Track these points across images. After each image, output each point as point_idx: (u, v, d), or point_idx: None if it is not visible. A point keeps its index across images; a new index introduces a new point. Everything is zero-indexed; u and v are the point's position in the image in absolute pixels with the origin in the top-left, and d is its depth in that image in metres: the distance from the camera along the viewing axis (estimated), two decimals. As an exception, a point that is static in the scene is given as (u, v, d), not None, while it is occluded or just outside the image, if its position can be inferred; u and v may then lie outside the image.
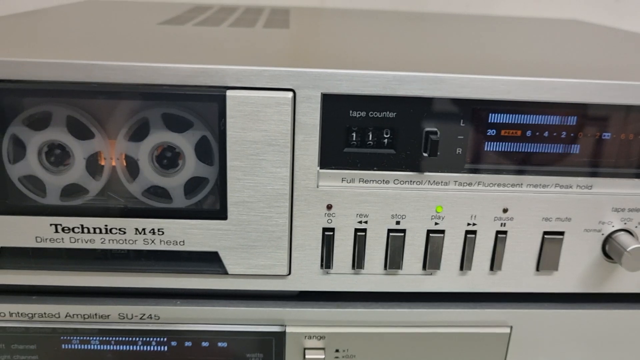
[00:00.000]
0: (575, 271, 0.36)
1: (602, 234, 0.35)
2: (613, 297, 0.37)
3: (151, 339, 0.37)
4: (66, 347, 0.37)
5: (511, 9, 0.81)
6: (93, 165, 0.33)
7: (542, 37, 0.53)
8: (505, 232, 0.35)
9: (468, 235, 0.34)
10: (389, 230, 0.34)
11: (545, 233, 0.35)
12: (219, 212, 0.33)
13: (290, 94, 0.31)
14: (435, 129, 0.32)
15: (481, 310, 0.37)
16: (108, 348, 0.37)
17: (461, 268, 0.35)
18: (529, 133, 0.33)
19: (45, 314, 0.35)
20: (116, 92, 0.31)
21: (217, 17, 0.54)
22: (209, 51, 0.36)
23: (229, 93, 0.31)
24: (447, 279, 0.35)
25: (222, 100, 0.31)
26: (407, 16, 0.67)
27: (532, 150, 0.34)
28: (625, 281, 0.36)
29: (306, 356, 0.36)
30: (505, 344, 0.37)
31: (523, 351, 0.37)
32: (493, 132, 0.33)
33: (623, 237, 0.34)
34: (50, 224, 0.33)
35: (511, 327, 0.37)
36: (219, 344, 0.37)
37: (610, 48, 0.47)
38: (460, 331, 0.37)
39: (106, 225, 0.33)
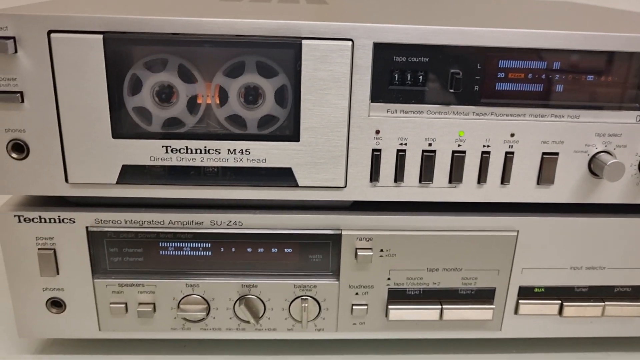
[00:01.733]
0: (567, 185, 0.46)
1: (588, 155, 0.45)
2: (598, 208, 0.47)
3: (234, 246, 0.46)
4: (163, 253, 0.46)
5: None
6: (192, 103, 0.43)
7: (539, 12, 0.63)
8: (512, 153, 0.44)
9: (484, 155, 0.44)
10: (423, 151, 0.44)
11: (544, 153, 0.45)
12: (293, 136, 0.43)
13: (350, 43, 0.41)
14: (458, 71, 0.42)
15: (494, 217, 0.46)
16: (195, 254, 0.47)
17: (478, 182, 0.45)
18: (530, 75, 0.43)
19: (152, 221, 0.45)
20: (219, 42, 0.41)
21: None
22: (284, 14, 0.46)
23: (304, 42, 0.41)
24: (467, 191, 0.45)
25: (298, 47, 0.41)
26: None
27: (532, 90, 0.44)
28: (607, 194, 0.46)
29: (358, 253, 0.46)
30: (512, 245, 0.47)
31: (527, 251, 0.47)
32: (502, 75, 0.43)
33: (604, 156, 0.44)
34: (162, 146, 0.43)
35: (517, 232, 0.47)
36: (286, 250, 0.47)
37: (599, 18, 0.58)
38: (478, 234, 0.46)
39: (205, 147, 0.43)
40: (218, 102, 0.43)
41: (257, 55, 0.42)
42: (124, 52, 0.41)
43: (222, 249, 0.46)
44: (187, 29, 0.40)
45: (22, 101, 0.41)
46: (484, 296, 0.48)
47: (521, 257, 0.48)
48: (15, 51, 0.40)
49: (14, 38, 0.39)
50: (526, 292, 0.48)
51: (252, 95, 0.43)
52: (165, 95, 0.42)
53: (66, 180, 0.43)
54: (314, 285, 0.47)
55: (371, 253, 0.46)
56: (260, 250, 0.47)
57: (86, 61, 0.40)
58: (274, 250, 0.47)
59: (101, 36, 0.40)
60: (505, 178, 0.45)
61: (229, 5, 0.53)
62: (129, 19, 0.40)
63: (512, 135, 0.44)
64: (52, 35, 0.40)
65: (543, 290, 0.49)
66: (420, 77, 0.43)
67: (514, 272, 0.48)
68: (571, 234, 0.47)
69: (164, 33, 0.40)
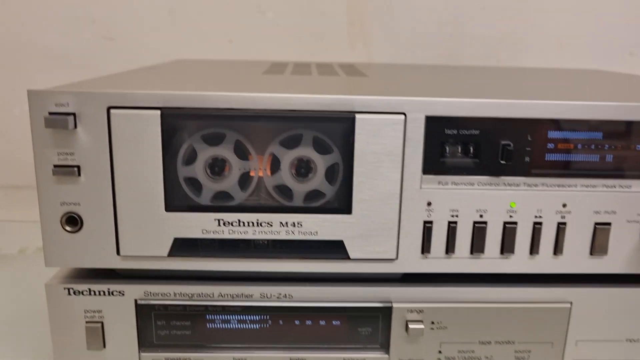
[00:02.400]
0: (621, 255, 0.45)
1: (641, 224, 0.45)
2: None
3: (281, 318, 0.46)
4: (211, 326, 0.46)
5: (536, 63, 0.92)
6: (244, 176, 0.43)
7: (575, 80, 0.64)
8: (564, 223, 0.44)
9: (535, 226, 0.44)
10: (474, 222, 0.44)
11: (596, 224, 0.44)
12: (346, 209, 0.43)
13: (402, 117, 0.41)
14: (509, 142, 0.43)
15: (546, 288, 0.46)
16: (244, 327, 0.46)
17: (530, 253, 0.45)
18: (579, 146, 0.44)
19: (201, 294, 0.45)
20: (272, 117, 0.41)
21: (301, 70, 0.64)
22: (332, 87, 0.47)
23: (357, 116, 0.41)
24: (519, 262, 0.45)
25: (352, 121, 0.41)
26: (455, 68, 0.79)
27: (582, 160, 0.44)
28: (661, 264, 0.46)
29: (409, 326, 0.45)
30: (566, 317, 0.46)
31: (581, 323, 0.46)
32: (552, 145, 0.43)
33: (657, 226, 0.44)
34: (214, 219, 0.43)
35: (571, 303, 0.46)
36: (334, 322, 0.46)
37: (634, 86, 0.58)
38: (531, 306, 0.46)
39: (257, 219, 0.43)
40: (269, 172, 0.43)
41: (311, 129, 0.42)
42: (180, 127, 0.41)
43: (271, 322, 0.46)
44: (242, 104, 0.41)
45: (79, 175, 0.41)
46: (538, 370, 0.47)
47: (575, 330, 0.46)
48: (75, 127, 0.40)
49: (74, 114, 0.40)
50: (581, 366, 0.47)
51: (303, 168, 0.43)
52: (218, 168, 0.43)
53: (117, 252, 0.43)
54: (363, 359, 0.46)
55: (422, 326, 0.45)
56: (309, 322, 0.46)
57: (143, 135, 0.41)
58: (323, 322, 0.46)
59: (159, 112, 0.41)
60: (557, 249, 0.45)
61: (274, 79, 0.54)
62: (185, 95, 0.41)
63: (564, 205, 0.44)
64: (112, 111, 0.40)
65: (598, 363, 0.47)
66: (471, 149, 0.43)
67: (568, 345, 0.47)
68: (626, 305, 0.46)
69: (219, 108, 0.41)
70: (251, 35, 0.90)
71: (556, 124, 0.43)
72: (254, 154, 0.43)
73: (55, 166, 0.41)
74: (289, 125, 0.42)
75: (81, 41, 0.87)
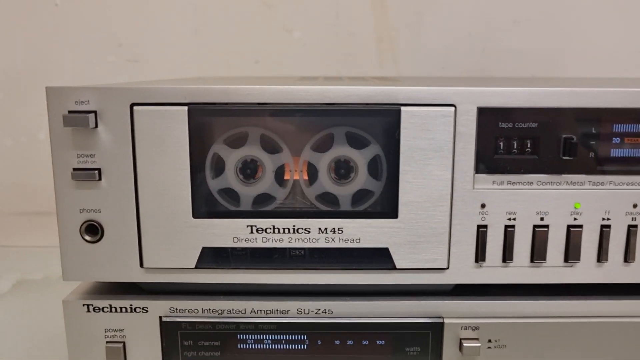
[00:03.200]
0: (701, 262, 0.40)
1: None
2: None
3: (320, 337, 0.41)
4: (243, 346, 0.42)
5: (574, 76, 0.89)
6: (279, 178, 0.39)
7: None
8: (636, 226, 0.39)
9: (603, 229, 0.39)
10: (534, 226, 0.39)
11: (672, 226, 0.40)
12: (391, 212, 0.39)
13: (452, 108, 0.38)
14: (572, 136, 0.38)
15: (618, 301, 0.41)
16: (278, 347, 0.42)
17: (598, 260, 0.40)
18: (648, 140, 0.39)
19: (232, 310, 0.40)
20: (310, 110, 0.38)
21: (332, 80, 0.62)
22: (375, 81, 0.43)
23: (403, 108, 0.37)
24: (586, 271, 0.40)
25: (397, 114, 0.37)
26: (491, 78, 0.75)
27: (654, 155, 0.39)
28: None
29: (463, 345, 0.40)
30: (642, 333, 0.41)
31: (659, 341, 0.41)
32: (618, 140, 0.39)
33: None
34: (247, 225, 0.39)
35: (646, 317, 0.41)
36: (377, 342, 0.41)
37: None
38: (603, 321, 0.40)
39: (294, 226, 0.39)
40: (307, 178, 0.39)
41: (347, 125, 0.39)
42: (208, 124, 0.38)
43: (309, 342, 0.41)
44: (277, 97, 0.38)
45: (100, 179, 0.38)
46: (612, 395, 0.41)
47: (652, 348, 0.41)
48: (96, 126, 0.37)
49: (95, 112, 0.37)
50: (661, 390, 0.42)
51: (343, 169, 0.39)
52: (250, 170, 0.39)
53: (141, 264, 0.39)
54: (413, 383, 0.41)
55: (479, 344, 0.40)
56: (350, 342, 0.41)
57: (169, 134, 0.38)
58: (366, 342, 0.41)
59: (186, 108, 0.37)
60: (629, 255, 0.40)
61: (306, 83, 0.51)
62: (214, 88, 0.38)
63: (635, 206, 0.39)
64: (135, 108, 0.37)
65: (679, 387, 0.42)
66: (529, 144, 0.39)
67: (645, 366, 0.41)
68: None
69: (251, 102, 0.38)
70: (278, 55, 0.88)
71: (625, 114, 0.38)
72: (289, 154, 0.39)
73: (74, 169, 0.38)
74: (324, 122, 0.38)
75: (106, 64, 0.86)
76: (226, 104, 0.38)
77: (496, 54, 0.89)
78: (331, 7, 0.87)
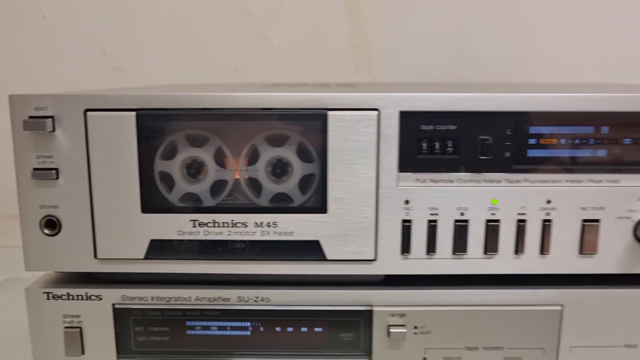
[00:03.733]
0: (613, 254, 0.43)
1: (632, 221, 0.43)
2: (646, 279, 0.44)
3: (261, 325, 0.45)
4: (191, 332, 0.45)
5: (544, 81, 0.91)
6: (220, 177, 0.43)
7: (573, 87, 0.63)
8: (550, 221, 0.42)
9: (519, 224, 0.42)
10: (455, 221, 0.42)
11: (584, 220, 0.42)
12: (321, 208, 0.42)
13: (376, 112, 0.41)
14: (488, 137, 0.42)
15: (535, 290, 0.44)
16: (223, 333, 0.45)
17: (516, 252, 0.43)
18: (562, 140, 0.42)
19: (179, 297, 0.44)
20: (246, 115, 0.41)
21: (297, 86, 0.65)
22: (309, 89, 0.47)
23: (330, 113, 0.41)
24: (504, 263, 0.43)
25: (324, 118, 0.41)
26: (458, 84, 0.78)
27: (566, 155, 0.42)
28: (657, 264, 0.43)
29: (390, 331, 0.43)
30: (557, 321, 0.44)
31: (575, 327, 0.44)
32: (534, 141, 0.42)
33: (649, 222, 0.42)
34: (190, 220, 0.43)
35: (562, 306, 0.44)
36: (315, 328, 0.45)
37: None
38: (519, 309, 0.44)
39: (232, 220, 0.42)
40: (247, 177, 0.43)
41: (282, 129, 0.42)
42: (155, 128, 0.42)
43: (250, 327, 0.45)
44: (218, 103, 0.41)
45: (57, 178, 0.42)
46: (531, 378, 0.45)
47: (568, 335, 0.44)
48: (53, 129, 0.41)
49: (52, 117, 0.41)
50: (578, 374, 0.45)
51: (279, 169, 0.43)
52: (194, 170, 0.43)
53: (95, 256, 0.43)
54: (346, 366, 0.44)
55: (405, 330, 0.43)
56: (289, 329, 0.45)
57: (119, 137, 0.41)
58: (303, 329, 0.45)
59: (134, 113, 0.41)
60: (544, 248, 0.43)
61: (262, 89, 0.55)
62: (160, 95, 0.41)
63: (549, 202, 0.42)
64: (88, 113, 0.41)
65: (597, 372, 0.45)
66: (449, 145, 0.42)
67: (562, 352, 0.44)
68: (622, 308, 0.44)
69: (194, 108, 0.42)
70: (257, 63, 0.92)
71: (537, 117, 0.42)
72: (230, 154, 0.43)
73: (34, 169, 0.42)
74: (263, 124, 0.42)
75: (91, 72, 0.90)
76: (171, 109, 0.42)
77: (469, 60, 0.92)
78: (307, 16, 0.90)
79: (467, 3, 0.90)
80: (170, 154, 0.43)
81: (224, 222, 0.42)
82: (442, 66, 0.92)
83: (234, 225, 0.43)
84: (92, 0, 0.88)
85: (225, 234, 0.43)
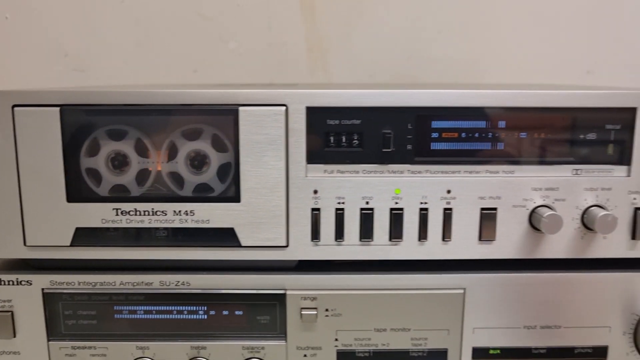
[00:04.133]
0: (510, 240, 0.46)
1: (527, 209, 0.46)
2: (551, 263, 0.47)
3: (183, 308, 0.47)
4: (118, 316, 0.48)
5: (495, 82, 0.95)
6: (143, 169, 0.46)
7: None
8: (450, 209, 0.45)
9: (422, 212, 0.45)
10: (361, 209, 0.45)
11: (482, 209, 0.45)
12: (235, 197, 0.45)
13: (284, 108, 0.44)
14: (390, 131, 0.45)
15: (439, 275, 0.47)
16: (149, 317, 0.48)
17: (419, 239, 0.46)
18: (463, 134, 0.45)
19: (104, 282, 0.47)
20: (165, 111, 0.44)
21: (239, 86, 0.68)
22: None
23: (241, 108, 0.44)
24: (409, 249, 0.46)
25: (236, 113, 0.44)
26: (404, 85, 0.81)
27: (465, 148, 0.45)
28: (552, 249, 0.46)
29: (302, 313, 0.46)
30: (460, 303, 0.47)
31: (477, 310, 0.47)
32: (436, 135, 0.45)
33: (542, 209, 0.45)
34: (112, 209, 0.45)
35: (465, 289, 0.47)
36: (234, 311, 0.48)
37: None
38: (423, 292, 0.46)
39: (152, 208, 0.45)
40: (167, 167, 0.45)
41: (200, 123, 0.45)
42: (78, 123, 0.45)
43: (172, 311, 0.47)
44: (136, 99, 0.44)
45: (-13, 170, 0.45)
46: (437, 358, 0.47)
47: (471, 317, 0.47)
48: (-18, 124, 0.44)
49: (-19, 113, 0.44)
50: (480, 354, 0.47)
51: (197, 161, 0.45)
52: (118, 162, 0.46)
53: (24, 243, 0.46)
54: (262, 347, 0.47)
55: (315, 312, 0.46)
56: (212, 312, 0.47)
57: (45, 131, 0.44)
58: (225, 312, 0.47)
59: (58, 109, 0.44)
60: (445, 235, 0.46)
61: (196, 87, 0.57)
62: (83, 92, 0.44)
63: (449, 191, 0.45)
64: (16, 109, 0.44)
65: (499, 351, 0.47)
66: (354, 138, 0.45)
67: (466, 333, 0.47)
68: (521, 291, 0.47)
69: (115, 104, 0.44)
70: (215, 65, 0.95)
71: (435, 111, 0.45)
72: (151, 148, 0.45)
73: (-34, 161, 0.45)
74: (181, 119, 0.45)
75: (53, 74, 0.93)
76: (94, 105, 0.44)
77: (422, 62, 0.96)
78: (264, 19, 0.93)
79: (421, 6, 0.93)
80: (93, 147, 0.45)
81: (145, 211, 0.45)
82: (396, 68, 0.95)
83: (154, 213, 0.45)
84: (54, 3, 0.91)
85: (147, 222, 0.45)
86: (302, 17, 0.94)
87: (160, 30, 0.93)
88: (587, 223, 0.45)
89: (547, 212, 0.44)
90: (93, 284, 0.47)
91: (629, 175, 0.45)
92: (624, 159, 0.45)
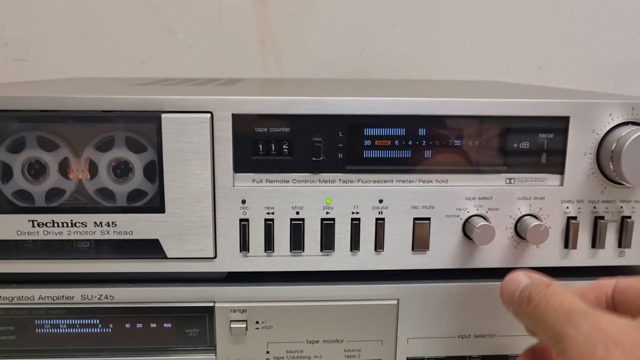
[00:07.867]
0: (444, 250, 0.45)
1: (461, 219, 0.45)
2: (484, 273, 0.46)
3: (110, 323, 0.46)
4: (40, 331, 0.46)
5: (447, 78, 0.94)
6: (63, 176, 0.43)
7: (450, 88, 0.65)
8: (382, 219, 0.44)
9: (353, 222, 0.44)
10: (291, 219, 0.44)
11: (415, 219, 0.44)
12: (159, 208, 0.43)
13: (209, 115, 0.42)
14: (319, 139, 0.43)
15: (372, 285, 0.46)
16: (73, 331, 0.46)
17: (351, 249, 0.45)
18: (397, 142, 0.44)
19: (22, 297, 0.45)
20: (84, 117, 0.42)
21: (182, 82, 0.66)
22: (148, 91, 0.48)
23: (163, 115, 0.42)
24: (341, 260, 0.45)
25: (158, 120, 0.42)
26: (356, 80, 0.80)
27: (397, 156, 0.44)
28: (486, 258, 0.45)
29: (231, 326, 0.45)
30: (394, 314, 0.46)
31: (410, 320, 0.46)
32: (368, 142, 0.44)
33: (475, 219, 0.44)
34: (28, 220, 0.43)
35: (398, 300, 0.46)
36: (165, 325, 0.46)
37: (497, 90, 0.59)
38: (356, 304, 0.45)
39: (71, 220, 0.43)
40: (88, 176, 0.43)
41: (126, 130, 0.43)
42: (-9, 130, 0.42)
43: (101, 325, 0.46)
44: (53, 105, 0.42)
45: None
46: (370, 369, 0.47)
47: (405, 327, 0.46)
48: None
49: None
50: (415, 364, 0.47)
51: (120, 169, 0.43)
52: (34, 171, 0.43)
53: (-63, 256, 0.43)
54: (191, 361, 0.46)
55: (244, 325, 0.45)
56: (139, 325, 0.46)
57: (-46, 139, 0.42)
58: (153, 325, 0.46)
59: (-32, 115, 0.41)
60: (378, 245, 0.45)
61: (135, 89, 0.55)
62: (-5, 98, 0.42)
63: (381, 201, 0.44)
64: None
65: (433, 361, 0.47)
66: (284, 146, 0.43)
67: (400, 343, 0.46)
68: (454, 301, 0.46)
69: (32, 110, 0.42)
70: (164, 56, 0.92)
71: (367, 119, 0.43)
72: (71, 156, 0.43)
73: None
74: (102, 126, 0.43)
75: (-8, 63, 0.89)
76: (7, 111, 0.42)
77: (374, 56, 0.94)
78: (214, 10, 0.90)
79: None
80: (8, 156, 0.43)
81: (63, 222, 0.43)
82: (349, 62, 0.94)
83: (74, 225, 0.43)
84: (-9, -8, 0.87)
85: (65, 234, 0.43)
86: (254, 8, 0.91)
87: (105, 20, 0.89)
88: (520, 233, 0.45)
89: (479, 223, 0.43)
90: (10, 298, 0.45)
91: (561, 185, 0.44)
92: (557, 168, 0.44)
